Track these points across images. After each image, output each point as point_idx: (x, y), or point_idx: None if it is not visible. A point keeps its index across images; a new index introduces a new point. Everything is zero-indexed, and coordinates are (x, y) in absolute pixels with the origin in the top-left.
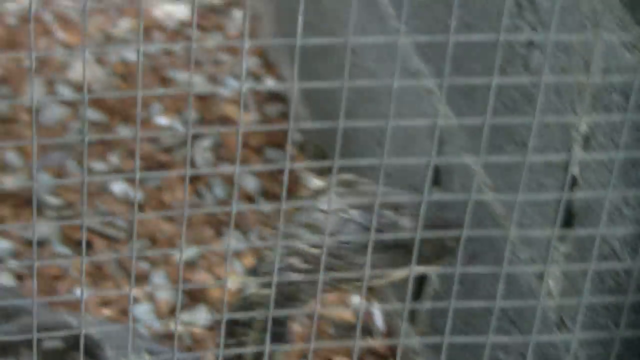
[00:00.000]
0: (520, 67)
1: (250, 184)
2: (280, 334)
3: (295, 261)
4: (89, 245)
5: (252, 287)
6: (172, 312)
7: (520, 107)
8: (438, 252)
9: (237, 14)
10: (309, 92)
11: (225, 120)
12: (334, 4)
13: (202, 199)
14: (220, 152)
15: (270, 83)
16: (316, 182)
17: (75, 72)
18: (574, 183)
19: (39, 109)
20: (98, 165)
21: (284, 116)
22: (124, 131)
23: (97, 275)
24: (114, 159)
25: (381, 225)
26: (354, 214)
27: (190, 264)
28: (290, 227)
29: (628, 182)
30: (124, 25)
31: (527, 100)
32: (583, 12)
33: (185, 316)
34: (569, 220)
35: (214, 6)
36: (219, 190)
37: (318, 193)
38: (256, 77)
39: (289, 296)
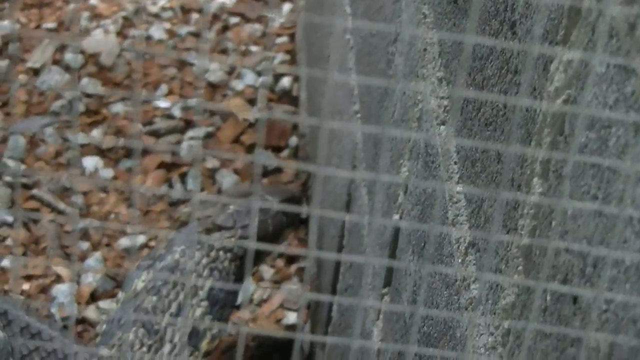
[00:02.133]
0: None
1: (228, 181)
2: None
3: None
4: (35, 216)
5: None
6: (93, 297)
7: None
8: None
9: (286, 7)
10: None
11: (228, 113)
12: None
13: (171, 189)
14: (209, 144)
15: (285, 82)
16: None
17: (92, 41)
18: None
19: (39, 71)
20: (77, 138)
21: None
22: (118, 107)
23: (32, 248)
24: (97, 133)
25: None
26: (234, 207)
27: (131, 252)
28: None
29: None
30: (162, 1)
31: None
32: None
33: (104, 303)
34: None
35: None
36: (192, 183)
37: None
38: (276, 75)
39: None
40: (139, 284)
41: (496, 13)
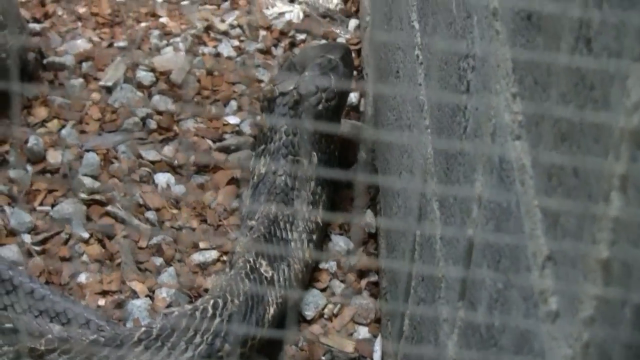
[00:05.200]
0: None
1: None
2: None
3: None
4: (110, 231)
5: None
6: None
7: None
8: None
9: (352, 24)
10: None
11: None
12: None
13: (241, 203)
14: None
15: (352, 97)
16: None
17: (163, 58)
18: None
19: (111, 89)
20: (150, 154)
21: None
22: (188, 124)
23: (107, 263)
24: (168, 149)
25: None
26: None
27: (204, 267)
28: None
29: None
30: (230, 18)
31: None
32: None
33: None
34: None
35: (330, 12)
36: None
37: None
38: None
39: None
40: (262, 169)
41: (571, 29)
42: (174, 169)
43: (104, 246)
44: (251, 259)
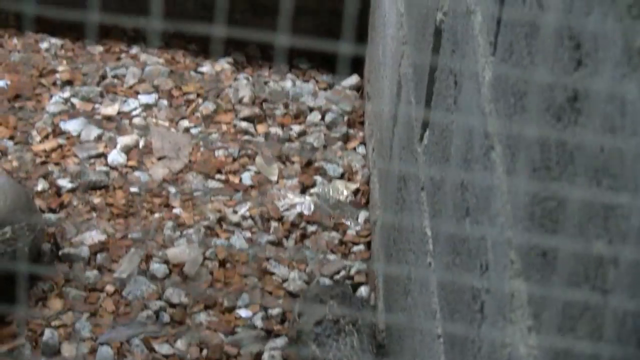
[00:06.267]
0: None
1: None
2: None
3: None
4: None
5: None
6: None
7: None
8: None
9: (362, 216)
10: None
11: None
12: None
13: None
14: (290, 355)
15: (363, 291)
16: None
17: (176, 250)
18: None
19: (125, 281)
20: (163, 348)
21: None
22: (201, 317)
23: None
24: (181, 343)
25: None
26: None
27: None
28: None
29: None
30: (243, 210)
31: None
32: None
33: None
34: None
35: (340, 203)
36: None
37: None
38: (354, 284)
39: None
40: None
41: (586, 273)
42: None
43: None
44: None
